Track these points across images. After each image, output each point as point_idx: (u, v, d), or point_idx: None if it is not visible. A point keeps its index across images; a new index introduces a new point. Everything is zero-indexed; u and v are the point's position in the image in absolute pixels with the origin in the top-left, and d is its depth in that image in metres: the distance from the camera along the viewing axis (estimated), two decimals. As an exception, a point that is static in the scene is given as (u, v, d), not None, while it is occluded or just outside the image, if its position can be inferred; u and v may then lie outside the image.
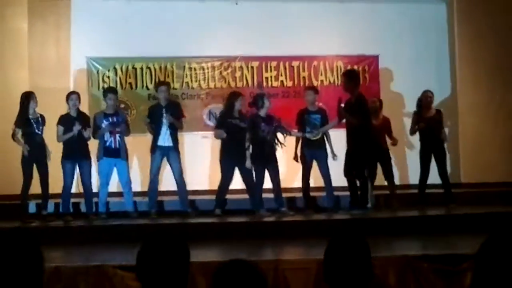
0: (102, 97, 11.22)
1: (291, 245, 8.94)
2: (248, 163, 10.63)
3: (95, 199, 10.84)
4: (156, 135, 10.82)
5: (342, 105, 10.73)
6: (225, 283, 3.08)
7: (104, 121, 10.69)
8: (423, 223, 10.08)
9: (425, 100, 11.46)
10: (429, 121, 11.27)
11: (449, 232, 9.38)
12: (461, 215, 10.26)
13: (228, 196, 11.05)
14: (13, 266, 3.22)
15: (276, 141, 10.79)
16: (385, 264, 7.26)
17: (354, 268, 3.40)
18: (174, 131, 10.87)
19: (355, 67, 13.27)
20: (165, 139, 10.77)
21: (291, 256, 8.34)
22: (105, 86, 12.53)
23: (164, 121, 10.73)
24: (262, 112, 10.82)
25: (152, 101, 11.93)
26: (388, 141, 11.53)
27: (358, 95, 10.81)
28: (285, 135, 10.91)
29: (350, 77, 11.07)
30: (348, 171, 10.68)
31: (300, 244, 8.70)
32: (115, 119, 10.75)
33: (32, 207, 10.76)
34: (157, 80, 12.70)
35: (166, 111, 10.79)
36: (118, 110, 10.96)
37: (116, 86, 12.44)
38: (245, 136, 10.68)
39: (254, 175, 10.75)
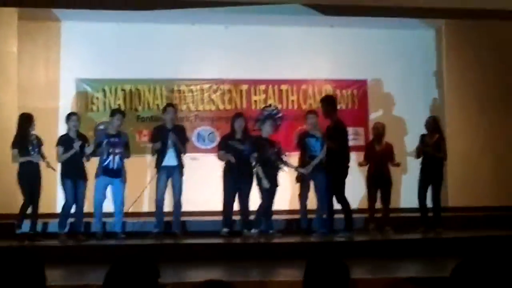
0: (109, 116, 11.17)
1: (281, 266, 8.92)
2: (265, 183, 10.69)
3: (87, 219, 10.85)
4: (161, 156, 10.82)
5: None
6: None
7: (105, 140, 10.70)
8: (413, 246, 10.08)
9: (431, 123, 11.47)
10: (432, 146, 11.31)
11: (436, 255, 9.41)
12: (448, 239, 10.26)
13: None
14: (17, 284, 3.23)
15: (281, 163, 10.95)
16: (371, 286, 7.27)
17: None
18: (179, 152, 10.91)
19: (344, 91, 13.36)
20: (169, 159, 10.79)
21: (278, 277, 8.34)
22: (94, 108, 12.67)
23: (170, 142, 10.75)
24: (264, 134, 10.95)
25: (141, 123, 11.96)
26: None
27: (336, 120, 10.86)
28: (284, 165, 11.05)
29: (329, 102, 11.08)
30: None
31: (289, 265, 8.70)
32: (116, 140, 10.76)
33: (26, 227, 10.69)
34: (145, 102, 12.75)
35: (173, 134, 10.82)
36: (121, 132, 10.95)
37: (104, 109, 12.48)
38: (247, 158, 10.78)
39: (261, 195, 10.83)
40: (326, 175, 10.72)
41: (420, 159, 11.46)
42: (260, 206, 10.79)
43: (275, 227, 10.94)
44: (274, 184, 10.83)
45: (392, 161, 11.38)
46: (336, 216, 10.86)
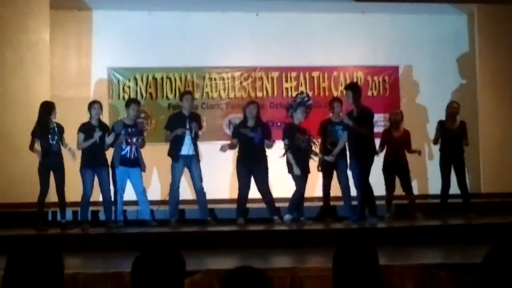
0: (125, 107, 11.24)
1: (310, 253, 8.92)
2: (296, 170, 10.66)
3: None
4: (178, 144, 10.76)
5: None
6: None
7: (123, 131, 10.69)
8: (442, 232, 10.04)
9: (450, 110, 11.45)
10: (453, 132, 11.26)
11: (468, 241, 9.34)
12: (480, 225, 10.18)
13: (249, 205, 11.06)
14: (35, 272, 3.28)
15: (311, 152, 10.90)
16: (403, 273, 7.24)
17: (361, 275, 3.41)
18: (196, 140, 10.86)
19: (375, 78, 13.32)
20: (188, 148, 10.74)
21: (308, 264, 8.34)
22: (126, 96, 12.69)
23: (188, 130, 10.73)
24: (295, 122, 10.88)
25: (172, 111, 11.98)
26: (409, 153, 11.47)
27: (362, 106, 10.84)
28: (315, 147, 11.03)
29: (355, 89, 10.98)
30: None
31: (318, 252, 8.69)
32: (133, 130, 10.78)
33: (50, 215, 10.85)
34: (177, 90, 12.78)
35: (190, 121, 10.78)
36: (137, 122, 10.98)
37: (136, 96, 12.58)
38: (257, 145, 10.80)
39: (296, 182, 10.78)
40: (355, 160, 10.68)
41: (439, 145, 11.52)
42: (294, 193, 10.76)
43: (305, 214, 10.87)
44: (305, 171, 10.80)
45: (408, 148, 11.32)
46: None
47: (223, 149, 11.10)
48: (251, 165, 10.82)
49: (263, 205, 10.97)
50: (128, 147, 10.70)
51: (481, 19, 13.46)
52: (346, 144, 10.97)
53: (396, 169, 11.20)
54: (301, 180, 10.73)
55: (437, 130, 11.45)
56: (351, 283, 3.41)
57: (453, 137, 11.27)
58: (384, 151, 11.39)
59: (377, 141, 11.37)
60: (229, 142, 11.30)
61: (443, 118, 11.50)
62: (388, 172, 11.23)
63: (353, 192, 10.94)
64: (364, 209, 10.75)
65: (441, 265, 7.50)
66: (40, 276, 3.29)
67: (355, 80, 13.13)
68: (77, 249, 8.79)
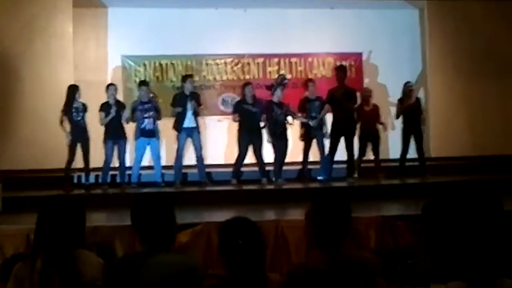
0: (137, 88, 11.25)
1: (291, 208, 8.94)
2: (268, 138, 10.73)
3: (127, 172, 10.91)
4: (181, 118, 10.76)
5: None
6: (229, 234, 3.17)
7: (139, 107, 10.73)
8: (401, 190, 10.09)
9: (407, 89, 11.49)
10: (410, 107, 11.30)
11: (422, 197, 9.38)
12: (432, 183, 10.28)
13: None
14: (61, 223, 3.30)
15: (287, 122, 10.94)
16: (367, 223, 7.33)
17: (336, 215, 3.43)
18: (196, 115, 10.86)
19: (343, 62, 13.32)
20: (189, 122, 10.75)
21: (289, 216, 8.36)
22: (137, 79, 12.63)
23: (189, 107, 10.70)
24: (275, 99, 10.86)
25: (176, 91, 11.97)
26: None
27: (347, 85, 10.90)
28: (293, 117, 11.04)
29: (344, 70, 11.12)
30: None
31: (298, 208, 8.71)
32: (148, 106, 10.77)
33: (75, 179, 10.87)
34: (179, 74, 12.75)
35: (190, 99, 10.77)
36: (151, 99, 10.95)
37: (145, 79, 12.50)
38: (257, 119, 10.80)
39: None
40: (338, 130, 10.71)
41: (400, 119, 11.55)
42: (274, 159, 10.82)
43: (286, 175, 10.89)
44: (284, 140, 10.82)
45: (378, 120, 11.35)
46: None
47: (235, 119, 11.04)
48: (252, 135, 10.81)
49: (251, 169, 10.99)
50: (146, 120, 10.70)
51: (430, 13, 13.51)
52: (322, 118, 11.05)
53: (369, 138, 11.24)
54: (278, 148, 10.74)
55: (397, 106, 11.49)
56: (328, 219, 3.41)
57: (411, 111, 11.31)
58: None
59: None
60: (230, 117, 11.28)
61: (399, 96, 11.54)
62: (362, 140, 11.26)
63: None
64: (331, 170, 10.84)
65: (399, 216, 7.56)
66: (66, 228, 3.32)
67: (326, 64, 13.15)
68: (98, 206, 8.79)
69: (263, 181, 10.76)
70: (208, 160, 11.40)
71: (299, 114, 11.12)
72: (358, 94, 11.20)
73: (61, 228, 3.30)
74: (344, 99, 10.65)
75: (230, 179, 10.84)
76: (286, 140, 10.88)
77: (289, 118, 11.00)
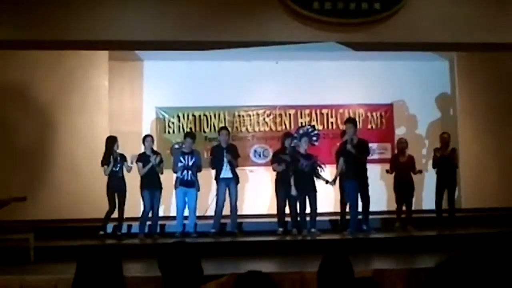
0: (183, 138, 11.33)
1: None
2: (293, 191, 10.61)
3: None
4: (219, 170, 10.88)
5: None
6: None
7: (181, 159, 10.83)
8: (431, 241, 9.90)
9: (442, 139, 11.53)
10: (445, 157, 11.25)
11: (451, 249, 9.18)
12: (461, 235, 10.15)
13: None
14: (100, 274, 3.23)
15: (317, 174, 10.79)
16: (395, 275, 7.18)
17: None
18: (233, 166, 10.94)
19: (374, 113, 13.32)
20: (226, 172, 10.84)
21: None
22: (170, 130, 12.81)
23: (225, 159, 10.81)
24: (301, 150, 10.78)
25: (208, 143, 12.04)
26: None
27: (359, 137, 10.81)
28: (320, 171, 10.87)
29: (355, 123, 10.99)
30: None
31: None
32: (190, 157, 10.83)
33: (110, 228, 10.81)
34: (212, 125, 12.89)
35: (227, 151, 10.87)
36: (194, 150, 10.97)
37: (179, 131, 12.59)
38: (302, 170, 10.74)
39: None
40: (354, 181, 10.53)
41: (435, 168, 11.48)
42: (291, 210, 10.87)
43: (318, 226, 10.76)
44: (311, 190, 10.67)
45: (413, 170, 11.19)
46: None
47: (276, 169, 11.09)
48: (289, 185, 10.69)
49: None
50: (186, 172, 10.72)
51: (460, 65, 13.47)
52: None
53: (403, 188, 11.10)
54: (303, 199, 10.62)
55: (434, 156, 11.38)
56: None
57: (446, 162, 11.19)
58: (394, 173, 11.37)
59: (377, 166, 11.31)
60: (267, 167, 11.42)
61: (433, 144, 11.45)
62: (398, 191, 11.14)
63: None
64: (360, 222, 10.66)
65: (427, 269, 7.35)
66: (105, 279, 3.24)
67: (357, 115, 13.07)
68: (130, 257, 8.68)
69: (294, 232, 10.69)
70: (242, 211, 11.46)
71: (322, 172, 10.94)
72: (379, 144, 11.14)
73: (100, 279, 3.23)
74: (356, 151, 10.52)
75: (276, 229, 10.87)
76: (314, 191, 10.72)
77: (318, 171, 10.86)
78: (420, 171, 11.38)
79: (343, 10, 10.09)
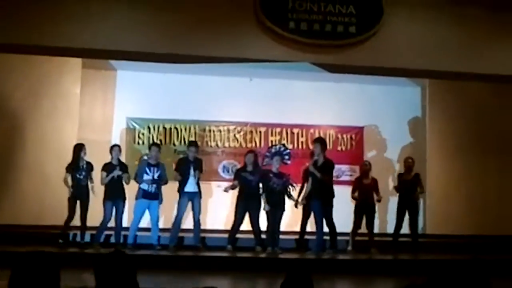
0: (148, 149, 11.34)
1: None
2: (266, 206, 10.73)
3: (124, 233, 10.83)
4: (183, 183, 10.81)
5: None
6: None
7: (147, 170, 10.75)
8: (393, 265, 9.94)
9: (406, 164, 11.59)
10: (408, 182, 11.31)
11: (413, 274, 9.22)
12: (423, 261, 10.21)
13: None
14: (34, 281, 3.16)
15: (288, 193, 10.94)
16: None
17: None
18: (198, 180, 10.91)
19: (344, 135, 13.37)
20: (191, 186, 10.79)
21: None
22: (140, 141, 12.75)
23: (192, 172, 10.77)
24: (273, 168, 10.86)
25: (177, 155, 12.00)
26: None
27: (326, 157, 10.86)
28: (291, 189, 11.03)
29: (323, 142, 11.11)
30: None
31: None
32: (156, 169, 10.77)
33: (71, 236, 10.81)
34: (182, 138, 12.84)
35: (194, 165, 10.85)
36: (159, 162, 10.92)
37: (149, 142, 12.55)
38: (255, 186, 10.80)
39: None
40: (318, 202, 10.63)
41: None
42: (266, 227, 10.77)
43: (280, 245, 10.77)
44: (279, 209, 10.71)
45: (377, 193, 11.24)
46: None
47: (226, 189, 11.12)
48: (248, 203, 10.82)
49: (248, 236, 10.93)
50: (151, 184, 10.67)
51: (432, 92, 13.58)
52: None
53: (365, 210, 11.14)
54: (272, 216, 10.66)
55: (398, 180, 11.45)
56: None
57: (409, 186, 11.26)
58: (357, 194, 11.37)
59: (346, 188, 11.44)
60: (230, 183, 11.27)
61: (399, 170, 11.52)
62: (358, 212, 11.17)
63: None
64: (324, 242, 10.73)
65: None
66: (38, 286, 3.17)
67: (327, 136, 13.10)
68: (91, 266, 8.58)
69: (257, 249, 10.67)
70: (206, 225, 11.38)
71: (293, 191, 11.04)
72: (348, 166, 11.23)
73: (34, 286, 3.18)
74: (319, 171, 10.61)
75: (226, 245, 10.69)
76: (282, 209, 10.76)
77: (289, 190, 10.97)
78: (379, 200, 11.42)
79: (318, 32, 10.20)
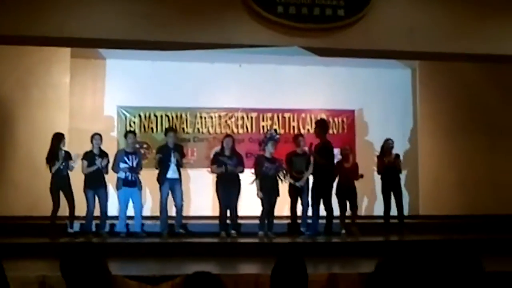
0: (124, 137, 11.37)
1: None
2: (259, 193, 10.70)
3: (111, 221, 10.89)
4: (164, 170, 10.81)
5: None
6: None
7: (124, 158, 10.76)
8: (381, 247, 9.93)
9: (386, 146, 11.51)
10: (389, 163, 11.29)
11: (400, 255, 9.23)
12: (410, 241, 10.23)
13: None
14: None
15: (279, 177, 10.87)
16: (345, 279, 7.24)
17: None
18: (179, 167, 10.92)
19: (335, 119, 13.38)
20: (173, 173, 10.80)
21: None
22: (131, 130, 12.58)
23: (172, 159, 10.77)
24: (266, 154, 10.84)
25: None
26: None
27: (325, 141, 10.92)
28: (284, 175, 10.95)
29: (322, 125, 11.16)
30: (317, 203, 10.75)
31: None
32: (134, 157, 10.79)
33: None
34: (173, 126, 12.74)
35: (174, 151, 10.85)
36: (136, 150, 10.90)
37: (140, 130, 12.58)
38: (231, 170, 10.78)
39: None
40: (314, 186, 10.69)
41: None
42: (261, 212, 10.71)
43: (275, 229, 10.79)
44: (274, 194, 10.71)
45: (355, 176, 11.27)
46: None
47: (214, 171, 11.01)
48: (227, 187, 10.77)
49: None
50: (129, 172, 10.67)
51: (422, 74, 13.60)
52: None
53: (346, 194, 11.13)
54: (266, 202, 10.69)
55: (378, 163, 11.50)
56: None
57: (390, 168, 11.26)
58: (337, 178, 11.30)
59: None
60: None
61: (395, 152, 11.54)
62: (340, 196, 11.15)
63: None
64: (317, 226, 10.77)
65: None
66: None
67: (319, 120, 13.11)
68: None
69: (232, 233, 10.70)
70: (196, 212, 11.45)
71: (286, 174, 11.02)
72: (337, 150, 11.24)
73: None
74: (317, 155, 10.63)
75: (218, 232, 10.71)
76: (276, 194, 10.76)
77: (281, 175, 10.93)
78: (362, 176, 11.36)
79: (307, 15, 10.15)
